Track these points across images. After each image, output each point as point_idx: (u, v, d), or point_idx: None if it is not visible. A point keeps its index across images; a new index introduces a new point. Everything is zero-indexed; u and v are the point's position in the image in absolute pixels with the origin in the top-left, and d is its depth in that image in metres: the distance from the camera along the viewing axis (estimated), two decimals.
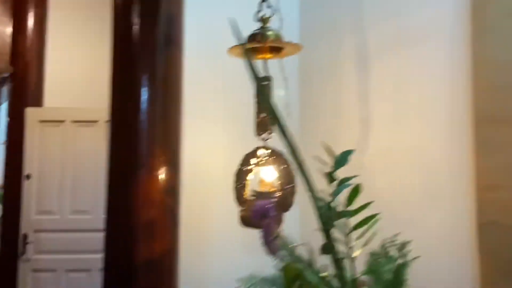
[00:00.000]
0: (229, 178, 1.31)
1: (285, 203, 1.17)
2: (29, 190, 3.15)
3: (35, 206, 3.25)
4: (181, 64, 1.49)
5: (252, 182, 1.28)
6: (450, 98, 1.32)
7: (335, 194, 0.83)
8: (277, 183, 1.20)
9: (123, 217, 1.41)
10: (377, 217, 0.87)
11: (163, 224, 1.41)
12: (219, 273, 1.53)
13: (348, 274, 0.80)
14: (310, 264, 0.83)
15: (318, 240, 0.79)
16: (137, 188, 1.39)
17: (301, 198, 1.06)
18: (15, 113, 3.21)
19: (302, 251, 0.87)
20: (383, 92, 1.52)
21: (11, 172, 3.18)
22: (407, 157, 1.41)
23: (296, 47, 1.27)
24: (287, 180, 1.18)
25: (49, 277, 3.14)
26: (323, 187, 0.88)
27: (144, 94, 1.39)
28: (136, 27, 1.38)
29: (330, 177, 0.84)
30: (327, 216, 0.75)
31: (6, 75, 3.32)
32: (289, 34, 1.81)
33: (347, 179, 0.86)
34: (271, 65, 1.37)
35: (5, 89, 3.51)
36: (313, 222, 0.92)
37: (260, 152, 1.26)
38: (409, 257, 0.91)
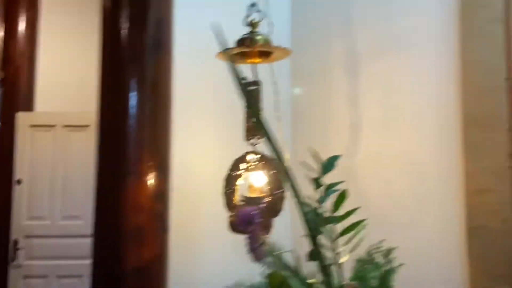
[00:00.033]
0: (219, 183, 1.30)
1: (274, 208, 1.16)
2: (20, 196, 3.12)
3: (26, 212, 3.22)
4: (171, 68, 1.48)
5: (241, 187, 1.27)
6: (439, 103, 1.32)
7: (321, 200, 0.82)
8: (267, 188, 1.19)
9: (112, 223, 1.39)
10: (364, 222, 0.87)
11: (152, 230, 1.40)
12: (209, 279, 1.51)
13: (335, 280, 0.80)
14: (296, 271, 0.82)
15: (309, 246, 0.78)
16: (125, 194, 1.37)
17: (292, 203, 1.05)
18: (6, 117, 3.19)
19: (289, 258, 0.87)
20: (373, 96, 1.52)
21: (1, 177, 3.15)
22: (397, 162, 1.41)
23: (285, 52, 1.26)
24: (276, 185, 1.17)
25: (40, 283, 3.11)
26: (311, 192, 0.88)
27: (133, 99, 1.38)
28: (124, 31, 1.37)
29: (317, 182, 0.83)
30: (314, 222, 0.74)
31: None
32: (280, 39, 1.80)
33: (334, 184, 0.85)
34: (263, 70, 1.36)
35: None
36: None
37: (249, 157, 1.25)
38: (395, 264, 0.91)
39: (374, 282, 0.84)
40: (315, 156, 0.87)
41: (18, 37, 3.26)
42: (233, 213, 1.19)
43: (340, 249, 0.83)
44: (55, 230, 3.20)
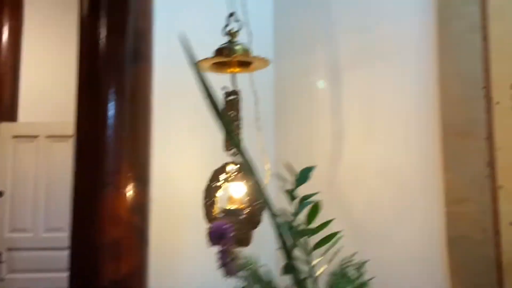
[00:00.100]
0: (200, 195, 1.28)
1: (253, 220, 1.14)
2: (2, 208, 3.06)
3: (8, 224, 3.16)
4: (151, 78, 1.46)
5: (221, 199, 1.25)
6: (419, 112, 1.32)
7: (296, 212, 0.81)
8: (246, 199, 1.17)
9: (88, 235, 1.36)
10: (339, 234, 0.86)
11: (130, 243, 1.37)
12: None
13: None
14: (270, 285, 0.81)
15: (284, 259, 0.76)
16: (103, 206, 1.34)
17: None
18: None
19: (265, 271, 0.85)
20: (355, 106, 1.52)
21: None
22: (378, 171, 1.41)
23: (265, 62, 1.26)
24: (256, 196, 1.15)
25: None
26: (287, 205, 0.86)
27: (111, 109, 1.36)
28: (102, 41, 1.35)
29: (291, 195, 0.82)
30: (288, 235, 0.73)
31: None
32: (263, 48, 1.81)
33: (308, 196, 0.84)
34: (245, 79, 1.36)
35: None
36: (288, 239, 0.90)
37: (229, 167, 1.23)
38: (367, 277, 0.89)
39: None
40: (289, 168, 0.85)
41: (1, 47, 3.22)
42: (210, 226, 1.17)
43: (316, 262, 0.81)
44: (38, 243, 3.14)
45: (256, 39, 1.36)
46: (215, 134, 1.37)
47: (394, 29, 1.39)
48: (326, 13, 1.66)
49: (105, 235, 1.32)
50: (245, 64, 1.29)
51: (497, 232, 1.09)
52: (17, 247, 3.13)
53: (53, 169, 3.15)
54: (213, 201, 1.24)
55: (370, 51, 1.48)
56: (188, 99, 1.69)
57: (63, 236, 3.12)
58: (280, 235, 0.68)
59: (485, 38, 1.15)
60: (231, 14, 1.24)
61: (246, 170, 0.63)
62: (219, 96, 1.27)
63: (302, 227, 0.79)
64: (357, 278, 0.84)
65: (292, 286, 0.74)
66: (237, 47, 1.21)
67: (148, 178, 1.42)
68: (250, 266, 0.81)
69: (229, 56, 1.19)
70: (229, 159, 1.25)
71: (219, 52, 1.21)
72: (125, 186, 1.35)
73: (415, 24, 1.33)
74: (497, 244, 1.09)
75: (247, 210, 1.15)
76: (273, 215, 0.65)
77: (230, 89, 1.25)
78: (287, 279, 0.78)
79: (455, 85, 1.19)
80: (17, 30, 3.28)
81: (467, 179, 1.14)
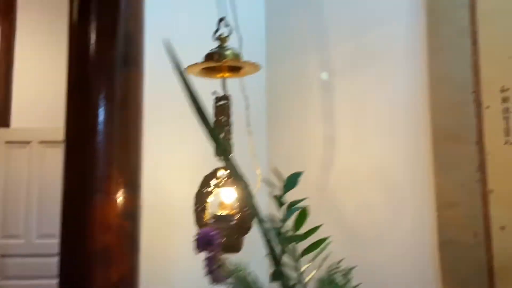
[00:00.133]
0: (192, 200, 1.27)
1: (244, 226, 1.14)
2: None
3: (0, 230, 3.13)
4: (141, 84, 1.45)
5: (212, 205, 1.24)
6: (410, 116, 1.32)
7: (284, 218, 0.80)
8: (236, 205, 1.17)
9: (78, 242, 1.34)
10: (327, 240, 0.85)
11: (120, 250, 1.35)
12: None
13: None
14: None
15: (272, 266, 0.76)
16: (92, 212, 1.33)
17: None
18: None
19: (254, 278, 0.84)
20: (347, 111, 1.52)
21: None
22: (370, 175, 1.41)
23: (255, 67, 1.25)
24: (246, 202, 1.15)
25: None
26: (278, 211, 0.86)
27: (101, 115, 1.35)
28: (92, 46, 1.34)
29: (279, 200, 0.81)
30: (276, 242, 0.72)
31: None
32: (255, 53, 1.81)
33: (296, 202, 0.83)
34: (237, 84, 1.35)
35: None
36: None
37: (220, 173, 1.23)
38: (354, 283, 0.89)
39: None
40: (277, 173, 0.85)
41: None
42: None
43: (304, 269, 0.81)
44: (31, 249, 3.11)
45: (248, 44, 1.36)
46: (206, 139, 1.37)
47: (384, 34, 1.40)
48: (317, 18, 1.66)
49: (95, 241, 1.31)
50: (235, 69, 1.28)
51: (488, 237, 1.09)
52: (10, 253, 3.10)
53: (46, 175, 3.13)
54: (204, 206, 1.23)
55: (361, 56, 1.48)
56: (179, 104, 1.68)
57: (56, 242, 3.10)
58: (268, 242, 0.68)
59: (474, 43, 1.16)
60: (221, 19, 1.24)
61: (233, 175, 0.62)
62: (206, 101, 1.27)
63: (290, 233, 0.79)
64: (344, 284, 0.83)
65: None
66: (227, 52, 1.21)
67: (139, 184, 1.40)
68: (238, 273, 0.81)
69: (219, 61, 1.19)
70: (220, 164, 1.25)
71: (209, 57, 1.21)
72: (116, 192, 1.33)
73: (405, 29, 1.34)
74: (488, 249, 1.08)
75: (238, 216, 1.14)
76: (260, 221, 0.65)
77: (221, 94, 1.25)
78: (276, 286, 0.77)
79: (445, 89, 1.19)
80: (9, 35, 3.27)
81: (457, 184, 1.14)
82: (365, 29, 1.47)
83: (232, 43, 1.32)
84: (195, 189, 1.28)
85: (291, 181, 0.86)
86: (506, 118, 1.08)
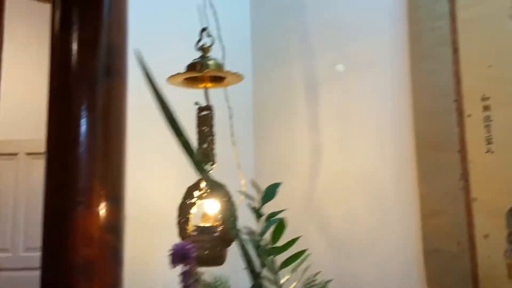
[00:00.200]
0: (176, 212, 1.25)
1: (227, 238, 1.12)
2: None
3: None
4: (125, 94, 1.43)
5: (195, 216, 1.22)
6: (394, 125, 1.32)
7: (263, 231, 0.79)
8: (219, 216, 1.15)
9: (59, 256, 1.31)
10: (306, 252, 0.84)
11: (103, 263, 1.32)
12: None
13: None
14: None
15: (250, 279, 0.74)
16: (74, 226, 1.30)
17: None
18: None
19: None
20: (332, 119, 1.52)
21: None
22: (356, 184, 1.40)
23: (237, 77, 1.25)
24: (229, 213, 1.13)
25: None
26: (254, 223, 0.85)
27: (83, 126, 1.33)
28: (74, 57, 1.33)
29: (257, 213, 0.80)
30: (255, 254, 0.71)
31: None
32: (241, 64, 1.81)
33: (275, 213, 0.82)
34: (223, 94, 1.35)
35: None
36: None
37: (203, 184, 1.21)
38: None
39: None
40: (255, 185, 0.84)
41: None
42: None
43: (284, 281, 0.79)
44: (18, 263, 3.06)
45: (234, 54, 1.36)
46: (195, 149, 1.36)
47: (367, 44, 1.40)
48: (303, 28, 1.67)
49: (77, 255, 1.28)
50: (218, 79, 1.28)
51: (472, 245, 1.08)
52: None
53: (33, 187, 3.09)
54: (187, 218, 1.22)
55: (346, 66, 1.49)
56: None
57: None
58: (245, 254, 0.66)
59: (455, 51, 1.16)
60: (203, 29, 1.24)
61: (209, 187, 0.61)
62: (189, 112, 1.26)
63: (268, 245, 0.78)
64: None
65: None
66: (210, 62, 1.21)
67: (122, 195, 1.38)
68: (218, 286, 0.79)
69: (201, 71, 1.18)
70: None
71: (191, 67, 1.20)
72: (98, 205, 1.31)
73: (388, 38, 1.35)
74: (473, 257, 1.08)
75: (221, 228, 1.13)
76: (236, 234, 0.64)
77: (203, 104, 1.24)
78: None
79: (427, 98, 1.20)
80: None
81: (441, 192, 1.14)
82: (349, 39, 1.47)
83: (216, 54, 1.32)
84: (178, 201, 1.26)
85: (270, 193, 0.84)
86: (487, 127, 1.09)
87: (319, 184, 1.49)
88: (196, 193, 1.22)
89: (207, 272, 1.06)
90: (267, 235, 0.79)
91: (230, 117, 1.31)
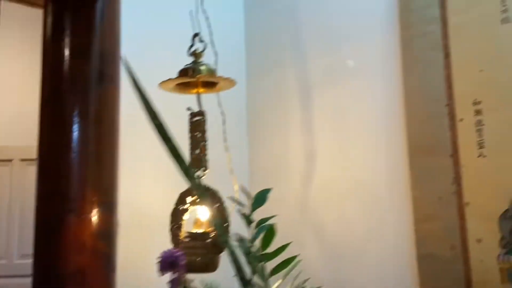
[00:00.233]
0: (168, 218, 1.25)
1: (219, 244, 1.11)
2: None
3: None
4: (117, 100, 1.43)
5: (188, 222, 1.22)
6: (388, 130, 1.32)
7: (253, 237, 0.79)
8: (211, 222, 1.14)
9: (51, 264, 1.30)
10: (296, 259, 0.83)
11: (95, 271, 1.31)
12: None
13: None
14: None
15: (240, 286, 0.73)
16: (66, 233, 1.29)
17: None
18: None
19: None
20: (326, 125, 1.52)
21: None
22: (350, 190, 1.40)
23: (230, 82, 1.25)
24: (221, 219, 1.13)
25: None
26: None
27: (75, 132, 1.32)
28: (66, 63, 1.32)
29: (248, 219, 0.79)
30: (245, 261, 0.70)
31: None
32: (236, 69, 1.81)
33: (265, 220, 0.82)
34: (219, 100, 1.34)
35: None
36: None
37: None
38: None
39: None
40: (244, 191, 0.84)
41: None
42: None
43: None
44: (12, 270, 3.04)
45: (228, 59, 1.36)
46: (183, 155, 1.35)
47: (360, 49, 1.41)
48: (296, 34, 1.67)
49: (69, 263, 1.27)
50: (210, 85, 1.27)
51: (465, 249, 1.08)
52: None
53: (28, 193, 3.07)
54: (180, 224, 1.21)
55: (339, 70, 1.49)
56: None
57: None
58: (235, 261, 0.66)
59: (446, 56, 1.17)
60: (195, 35, 1.24)
61: (198, 195, 0.61)
62: (182, 117, 1.26)
63: (259, 252, 0.77)
64: None
65: None
66: (202, 68, 1.20)
67: (115, 202, 1.37)
68: None
69: (193, 77, 1.18)
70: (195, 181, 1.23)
71: (183, 72, 1.20)
72: (90, 212, 1.30)
73: (380, 43, 1.35)
74: (466, 261, 1.07)
75: (213, 234, 1.12)
76: (225, 240, 0.63)
77: (196, 110, 1.23)
78: None
79: (420, 102, 1.20)
80: None
81: (434, 197, 1.14)
82: (342, 45, 1.48)
83: (209, 59, 1.32)
84: (171, 206, 1.26)
85: (260, 198, 0.84)
86: (479, 131, 1.09)
87: (313, 189, 1.49)
88: (189, 199, 1.22)
89: (199, 279, 1.05)
90: (258, 242, 0.78)
91: (223, 122, 1.31)
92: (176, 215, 1.22)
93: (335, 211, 1.42)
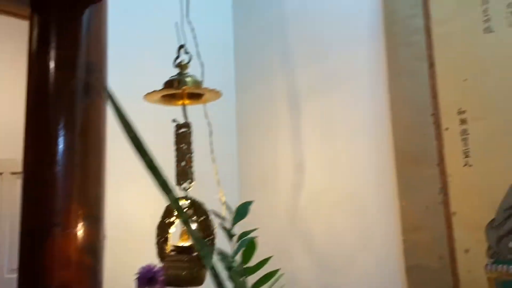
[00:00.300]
0: (154, 232, 1.23)
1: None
2: None
3: None
4: (104, 112, 1.42)
5: (174, 235, 1.20)
6: (375, 140, 1.32)
7: (235, 251, 0.77)
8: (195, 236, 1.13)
9: (35, 279, 1.28)
10: (278, 273, 0.82)
11: (81, 286, 1.29)
12: None
13: None
14: None
15: None
16: (51, 247, 1.27)
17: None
18: None
19: None
20: (314, 135, 1.52)
21: None
22: (338, 200, 1.39)
23: (216, 93, 1.24)
24: (206, 232, 1.11)
25: None
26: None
27: (60, 144, 1.31)
28: (51, 75, 1.31)
29: (228, 233, 0.78)
30: (228, 276, 0.69)
31: None
32: (224, 80, 1.81)
33: (246, 233, 0.81)
34: (209, 111, 1.34)
35: None
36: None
37: (181, 202, 1.19)
38: None
39: None
40: (225, 204, 0.83)
41: None
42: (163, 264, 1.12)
43: None
44: (2, 285, 2.99)
45: (217, 71, 1.36)
46: (168, 168, 1.34)
47: (346, 58, 1.41)
48: (285, 45, 1.68)
49: (54, 278, 1.24)
50: (196, 96, 1.27)
51: (453, 260, 1.07)
52: None
53: (18, 207, 3.04)
54: (166, 237, 1.19)
55: (326, 80, 1.49)
56: (142, 132, 1.66)
57: None
58: (215, 276, 0.64)
59: (431, 66, 1.17)
60: (181, 46, 1.23)
61: (176, 210, 0.60)
62: (156, 130, 1.25)
63: (240, 266, 0.76)
64: None
65: None
66: (187, 79, 1.20)
67: (101, 216, 1.35)
68: None
69: (179, 88, 1.17)
70: (181, 193, 1.22)
71: (169, 84, 1.20)
72: (75, 226, 1.28)
73: (367, 53, 1.35)
74: (454, 272, 1.07)
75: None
76: (205, 255, 0.62)
77: (181, 121, 1.23)
78: None
79: (405, 112, 1.20)
80: None
81: (421, 206, 1.13)
82: (328, 54, 1.48)
83: (195, 71, 1.32)
84: (158, 219, 1.24)
85: (241, 211, 0.83)
86: (464, 140, 1.09)
87: (302, 199, 1.48)
88: (175, 212, 1.20)
89: None
90: (239, 256, 0.77)
91: (210, 134, 1.30)
92: (162, 228, 1.20)
93: (324, 222, 1.41)
